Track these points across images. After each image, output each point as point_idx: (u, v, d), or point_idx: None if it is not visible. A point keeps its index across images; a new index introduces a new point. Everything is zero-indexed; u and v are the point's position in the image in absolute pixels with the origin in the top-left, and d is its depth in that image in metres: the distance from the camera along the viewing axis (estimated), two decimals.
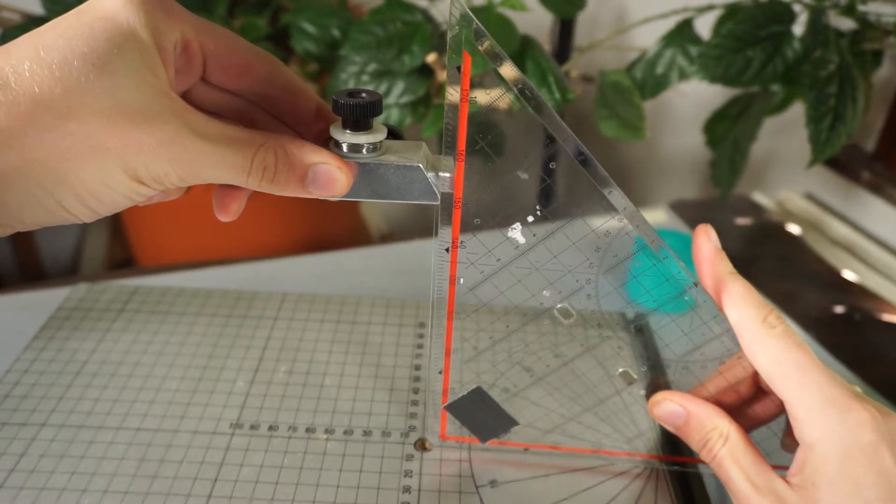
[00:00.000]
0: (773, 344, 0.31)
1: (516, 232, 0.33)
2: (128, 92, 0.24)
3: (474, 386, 0.39)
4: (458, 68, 0.28)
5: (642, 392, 0.42)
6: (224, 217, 0.31)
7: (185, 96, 0.29)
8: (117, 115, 0.24)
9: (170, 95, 0.25)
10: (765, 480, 0.31)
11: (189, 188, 0.29)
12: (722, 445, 0.33)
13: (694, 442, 0.35)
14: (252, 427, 0.42)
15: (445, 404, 0.39)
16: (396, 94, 0.63)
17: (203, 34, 0.28)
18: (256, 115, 0.32)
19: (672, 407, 0.36)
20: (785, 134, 0.88)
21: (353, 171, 0.29)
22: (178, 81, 0.28)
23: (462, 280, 0.35)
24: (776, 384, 0.31)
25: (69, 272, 1.17)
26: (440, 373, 0.38)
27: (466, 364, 0.42)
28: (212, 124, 0.26)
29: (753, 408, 0.37)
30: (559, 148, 0.30)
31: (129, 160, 0.24)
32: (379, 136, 0.29)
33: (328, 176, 0.28)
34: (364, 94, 0.28)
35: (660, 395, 0.36)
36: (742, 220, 0.75)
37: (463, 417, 0.40)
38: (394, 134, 0.31)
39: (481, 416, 0.40)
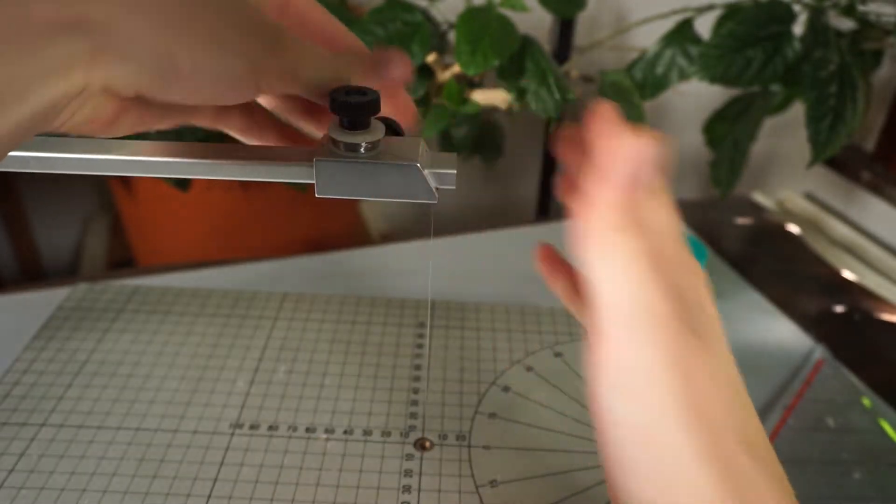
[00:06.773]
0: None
1: None
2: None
3: None
4: None
5: None
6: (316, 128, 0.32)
7: None
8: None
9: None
10: None
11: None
12: None
13: None
14: (252, 427, 0.42)
15: None
16: None
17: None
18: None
19: None
20: (785, 134, 0.88)
21: None
22: None
23: None
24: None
25: (69, 272, 1.17)
26: None
27: None
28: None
29: None
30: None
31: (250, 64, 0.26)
32: (377, 134, 0.29)
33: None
34: (362, 92, 0.28)
35: None
36: (742, 220, 0.75)
37: None
38: (392, 128, 0.31)
39: None
